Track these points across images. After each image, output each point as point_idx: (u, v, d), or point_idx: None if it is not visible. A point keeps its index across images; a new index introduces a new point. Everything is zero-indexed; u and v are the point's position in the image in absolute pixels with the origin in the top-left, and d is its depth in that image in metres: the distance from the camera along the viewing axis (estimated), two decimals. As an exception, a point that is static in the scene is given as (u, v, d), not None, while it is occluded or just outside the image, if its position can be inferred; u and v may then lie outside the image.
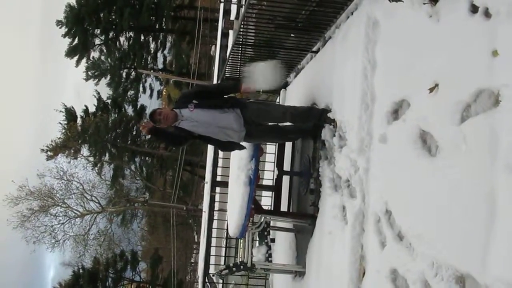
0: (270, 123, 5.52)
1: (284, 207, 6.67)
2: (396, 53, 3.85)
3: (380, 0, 4.08)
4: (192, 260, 37.01)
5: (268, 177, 8.32)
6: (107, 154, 33.41)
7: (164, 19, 33.61)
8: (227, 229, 7.76)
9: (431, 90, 3.09)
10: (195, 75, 26.81)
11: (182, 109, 5.16)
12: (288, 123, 5.58)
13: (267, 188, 7.81)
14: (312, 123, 5.40)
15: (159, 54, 35.39)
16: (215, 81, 14.74)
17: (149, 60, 34.87)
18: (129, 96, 34.86)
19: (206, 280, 8.15)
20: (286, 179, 6.86)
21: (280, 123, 5.49)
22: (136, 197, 35.89)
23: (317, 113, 5.30)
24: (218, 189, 8.96)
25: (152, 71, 34.29)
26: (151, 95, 35.63)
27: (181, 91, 5.66)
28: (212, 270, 8.61)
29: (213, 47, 27.59)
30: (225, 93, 5.39)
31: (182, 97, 5.42)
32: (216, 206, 9.42)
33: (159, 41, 34.78)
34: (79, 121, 32.81)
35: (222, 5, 15.70)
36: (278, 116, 5.39)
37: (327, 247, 4.88)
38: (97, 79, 33.43)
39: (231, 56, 7.16)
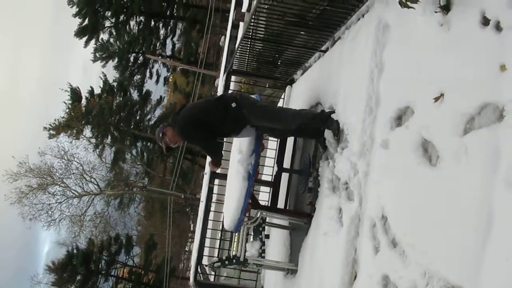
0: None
1: (281, 204, 6.66)
2: (404, 58, 3.83)
3: (392, 5, 4.05)
4: (186, 249, 37.11)
5: (267, 173, 8.30)
6: (109, 137, 33.48)
7: (175, 6, 33.59)
8: (222, 222, 7.75)
9: (436, 99, 3.07)
10: (203, 64, 26.81)
11: None
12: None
13: (265, 183, 7.79)
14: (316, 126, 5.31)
15: (168, 41, 35.43)
16: (222, 72, 14.69)
17: (157, 46, 34.90)
18: (135, 80, 34.94)
19: (199, 271, 8.14)
20: (285, 176, 6.84)
21: (288, 128, 5.43)
22: (135, 181, 36.01)
23: (322, 117, 5.12)
24: (216, 181, 8.94)
25: (160, 57, 34.33)
26: (157, 81, 35.72)
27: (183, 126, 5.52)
28: (205, 261, 8.61)
29: (222, 37, 27.52)
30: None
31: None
32: (214, 198, 9.40)
33: (169, 27, 34.76)
34: (83, 102, 32.85)
35: (234, -4, 15.61)
36: (288, 121, 5.30)
37: (321, 248, 4.87)
38: (104, 61, 33.48)
39: (239, 48, 7.12)
